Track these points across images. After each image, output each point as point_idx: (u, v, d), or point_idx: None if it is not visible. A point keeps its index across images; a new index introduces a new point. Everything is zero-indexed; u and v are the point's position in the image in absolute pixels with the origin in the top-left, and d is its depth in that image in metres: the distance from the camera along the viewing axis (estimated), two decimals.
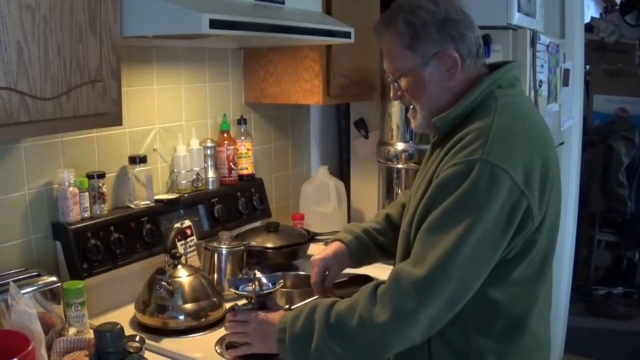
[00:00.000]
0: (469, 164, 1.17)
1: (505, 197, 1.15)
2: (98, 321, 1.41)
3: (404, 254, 1.29)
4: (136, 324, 1.65)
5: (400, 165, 2.38)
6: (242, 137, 2.22)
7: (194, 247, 1.94)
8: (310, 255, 2.01)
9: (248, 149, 2.22)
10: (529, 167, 1.18)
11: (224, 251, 1.86)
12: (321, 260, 1.56)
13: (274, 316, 1.34)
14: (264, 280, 1.46)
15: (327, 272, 1.56)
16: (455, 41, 1.28)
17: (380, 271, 1.67)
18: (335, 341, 1.22)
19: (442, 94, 1.30)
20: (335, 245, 1.59)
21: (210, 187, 2.10)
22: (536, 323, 1.31)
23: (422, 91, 1.31)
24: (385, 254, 1.61)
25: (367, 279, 1.62)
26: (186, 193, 2.00)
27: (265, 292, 1.42)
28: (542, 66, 2.56)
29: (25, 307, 1.32)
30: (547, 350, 1.38)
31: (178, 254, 1.69)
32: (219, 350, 1.50)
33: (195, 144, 2.04)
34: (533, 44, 2.42)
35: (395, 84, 1.35)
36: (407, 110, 1.41)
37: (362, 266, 1.63)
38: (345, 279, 1.75)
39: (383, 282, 1.26)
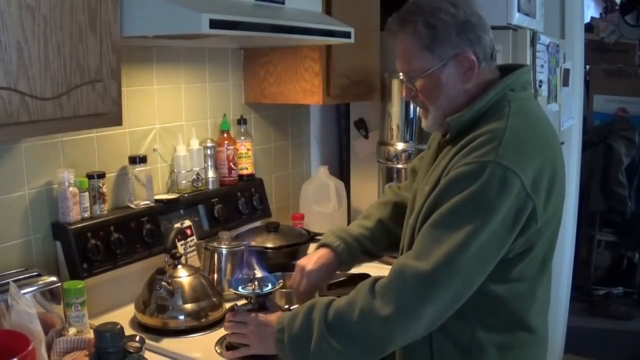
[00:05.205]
0: (481, 165, 1.18)
1: (513, 200, 1.17)
2: (98, 321, 1.41)
3: (410, 247, 1.30)
4: (136, 324, 1.65)
5: (400, 165, 2.38)
6: (242, 137, 2.22)
7: (194, 247, 1.94)
8: None
9: (248, 149, 2.22)
10: (538, 172, 1.20)
11: (224, 251, 1.86)
12: (312, 274, 1.54)
13: (272, 317, 1.34)
14: (263, 280, 1.46)
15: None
16: (473, 44, 1.29)
17: (380, 271, 1.67)
18: (336, 338, 1.22)
19: (458, 96, 1.32)
20: (325, 256, 1.57)
21: (210, 187, 2.10)
22: (536, 319, 1.34)
23: (438, 93, 1.32)
24: (371, 259, 1.63)
25: (365, 278, 1.62)
26: (186, 193, 2.00)
27: (265, 292, 1.42)
28: (542, 66, 2.56)
29: (25, 307, 1.32)
30: (545, 346, 1.41)
31: (178, 254, 1.69)
32: (219, 351, 1.50)
33: (195, 144, 2.04)
34: (533, 44, 2.42)
35: (410, 84, 1.35)
36: (412, 108, 1.41)
37: (344, 271, 1.64)
38: (343, 278, 1.75)
39: (380, 278, 1.26)
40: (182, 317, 1.61)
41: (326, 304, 1.27)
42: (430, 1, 1.30)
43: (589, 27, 4.67)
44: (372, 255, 1.62)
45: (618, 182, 4.13)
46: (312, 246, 2.13)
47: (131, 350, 1.17)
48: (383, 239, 1.59)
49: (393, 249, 1.50)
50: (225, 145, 2.13)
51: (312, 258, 1.58)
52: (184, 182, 2.01)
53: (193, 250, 1.94)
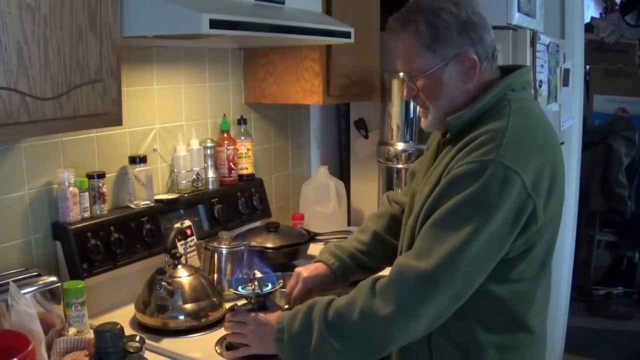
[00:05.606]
0: (482, 164, 1.18)
1: (514, 199, 1.17)
2: (98, 321, 1.41)
3: (410, 248, 1.30)
4: (136, 324, 1.65)
5: (400, 165, 2.38)
6: (242, 137, 2.22)
7: (194, 247, 1.94)
8: (310, 256, 2.02)
9: (248, 149, 2.22)
10: (538, 172, 1.20)
11: (224, 251, 1.86)
12: (307, 280, 1.54)
13: (272, 317, 1.34)
14: (263, 280, 1.46)
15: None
16: (475, 44, 1.29)
17: (381, 271, 1.67)
18: (335, 338, 1.22)
19: (459, 96, 1.31)
20: (321, 269, 1.57)
21: (210, 187, 2.10)
22: (535, 319, 1.34)
23: (439, 92, 1.31)
24: (368, 273, 1.61)
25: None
26: (186, 193, 2.00)
27: (265, 292, 1.42)
28: (542, 66, 2.56)
29: (25, 307, 1.32)
30: (544, 346, 1.41)
31: (178, 254, 1.69)
32: (219, 351, 1.49)
33: (195, 144, 2.04)
34: (533, 44, 2.42)
35: (412, 84, 1.35)
36: (412, 108, 1.41)
37: (340, 287, 1.63)
38: None
39: (380, 277, 1.26)
40: (182, 317, 1.61)
41: (326, 303, 1.27)
42: (431, 1, 1.30)
43: (589, 27, 4.67)
44: (369, 270, 1.61)
45: (618, 182, 4.13)
46: (313, 246, 2.14)
47: (131, 350, 1.17)
48: (379, 252, 1.59)
49: (390, 261, 1.50)
50: (225, 145, 2.13)
51: (310, 267, 1.58)
52: (184, 182, 2.01)
53: (193, 250, 1.94)
